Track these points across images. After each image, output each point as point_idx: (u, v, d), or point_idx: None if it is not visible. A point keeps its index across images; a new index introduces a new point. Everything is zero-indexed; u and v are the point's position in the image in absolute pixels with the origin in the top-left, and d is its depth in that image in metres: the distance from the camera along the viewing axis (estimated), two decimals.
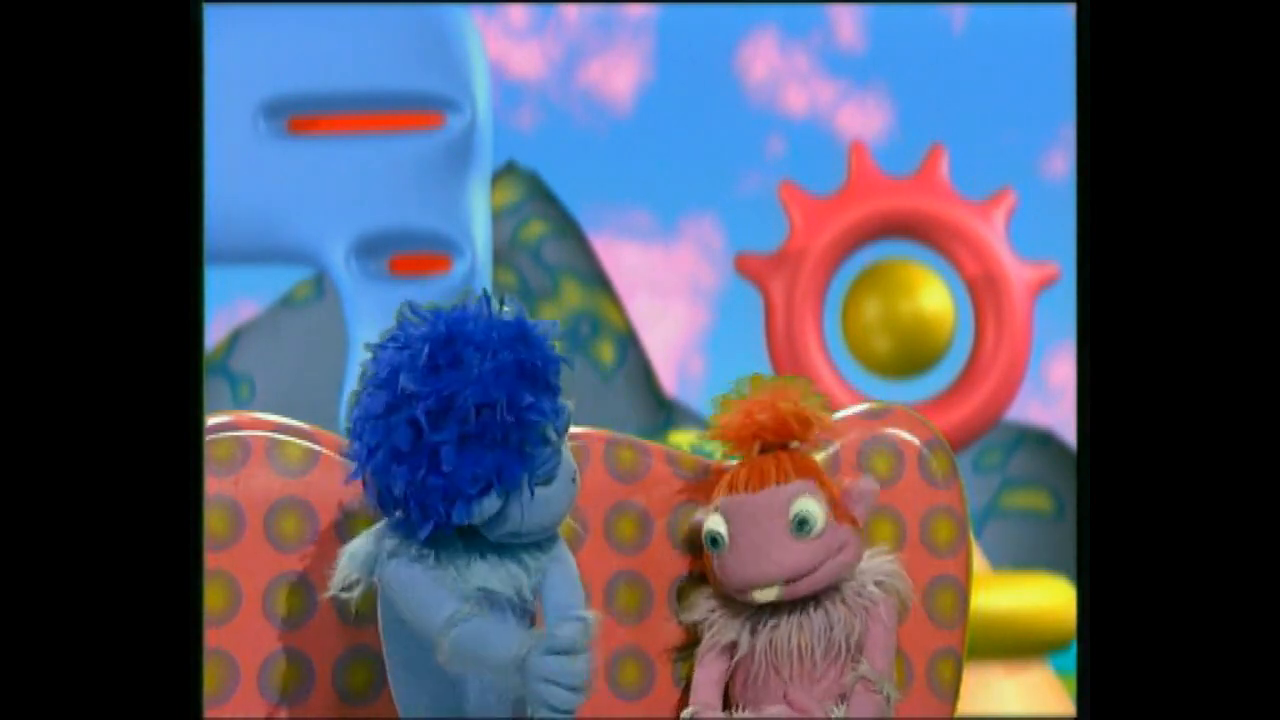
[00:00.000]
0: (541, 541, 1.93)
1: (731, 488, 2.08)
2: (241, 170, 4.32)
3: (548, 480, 1.88)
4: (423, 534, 1.86)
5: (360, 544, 1.92)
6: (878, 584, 2.09)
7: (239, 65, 4.32)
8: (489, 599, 1.87)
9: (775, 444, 2.10)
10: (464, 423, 1.83)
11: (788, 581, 2.04)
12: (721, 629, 2.09)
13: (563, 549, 1.96)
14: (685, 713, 2.09)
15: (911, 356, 5.37)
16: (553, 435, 1.88)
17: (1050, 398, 7.24)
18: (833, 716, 2.03)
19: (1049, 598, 5.09)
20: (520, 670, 1.78)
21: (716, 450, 2.13)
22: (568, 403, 1.91)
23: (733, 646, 2.09)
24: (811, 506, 2.05)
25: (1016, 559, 6.48)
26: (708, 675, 2.09)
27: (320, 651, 2.03)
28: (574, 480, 1.91)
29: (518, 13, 7.75)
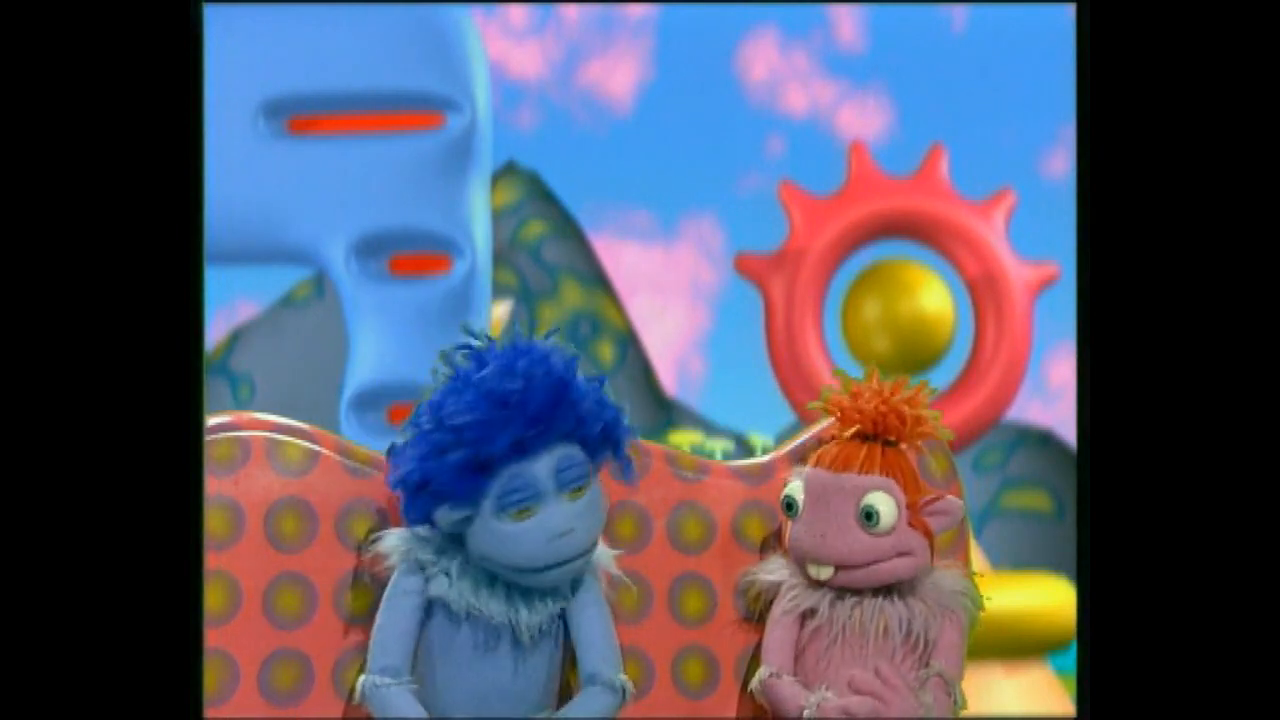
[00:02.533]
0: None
1: (818, 462, 2.11)
2: (241, 170, 4.32)
3: (519, 514, 1.93)
4: (410, 516, 1.96)
5: (394, 539, 1.99)
6: (954, 593, 2.11)
7: (239, 65, 4.32)
8: (485, 624, 1.96)
9: (872, 434, 2.10)
10: (453, 432, 1.92)
11: (841, 566, 2.06)
12: (801, 595, 2.10)
13: (593, 593, 2.02)
14: (761, 672, 2.09)
15: (911, 356, 5.37)
16: (540, 479, 1.93)
17: (1050, 398, 7.24)
18: (921, 699, 2.04)
19: (1049, 598, 5.09)
20: None
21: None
22: (585, 464, 1.96)
23: (808, 614, 2.09)
24: (882, 502, 2.06)
25: (1016, 559, 6.48)
26: (782, 639, 2.10)
27: (320, 651, 2.03)
28: (561, 536, 1.94)
29: (518, 13, 7.75)
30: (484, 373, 1.94)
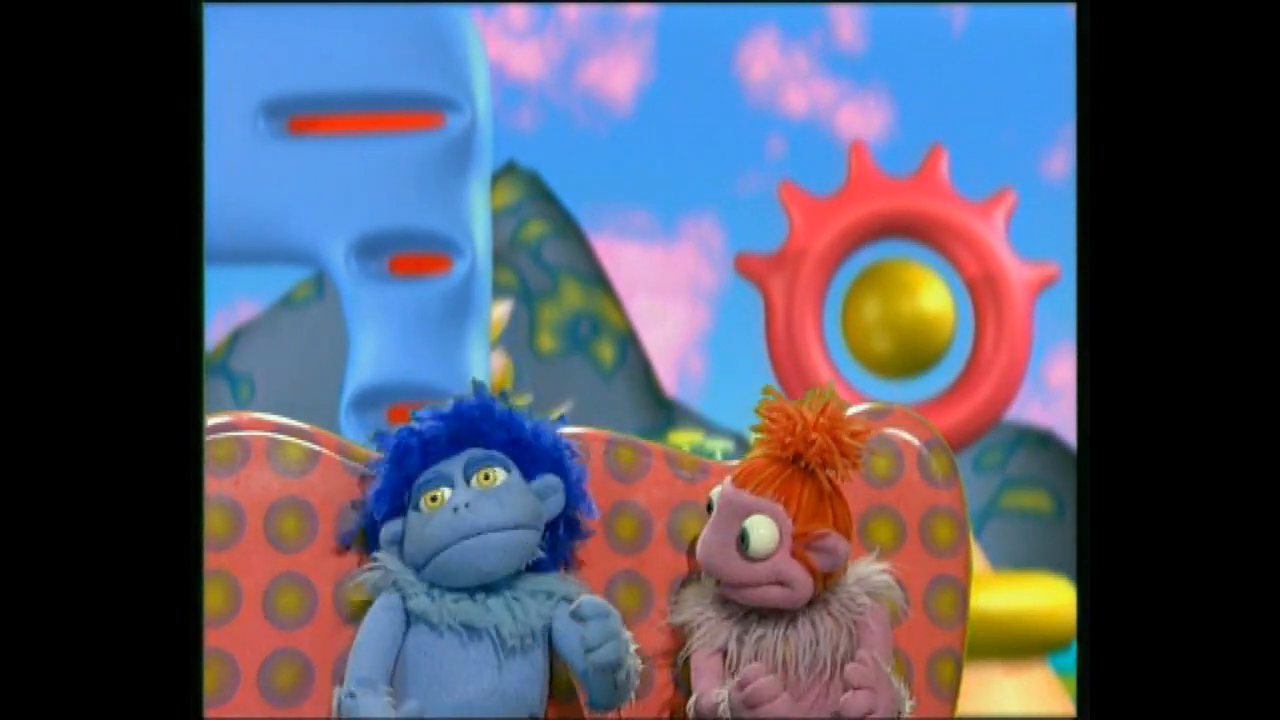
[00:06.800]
0: (534, 594, 2.03)
1: (733, 471, 2.10)
2: (241, 170, 4.32)
3: (431, 502, 2.02)
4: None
5: (376, 575, 2.04)
6: (869, 594, 2.09)
7: (239, 65, 4.32)
8: (468, 631, 2.00)
9: (783, 455, 2.08)
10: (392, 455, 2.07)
11: (719, 581, 2.07)
12: (710, 634, 2.09)
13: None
14: (691, 700, 2.08)
15: (911, 356, 5.37)
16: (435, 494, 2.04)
17: (1050, 398, 7.24)
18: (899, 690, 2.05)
19: (1049, 598, 5.10)
20: None
21: (712, 447, 2.14)
22: (495, 457, 2.05)
23: (723, 653, 2.08)
24: (757, 529, 2.04)
25: (1016, 559, 6.48)
26: (707, 671, 2.08)
27: (320, 651, 2.03)
28: (457, 511, 2.00)
29: (518, 13, 7.75)
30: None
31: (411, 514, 2.02)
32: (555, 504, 2.06)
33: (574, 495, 2.08)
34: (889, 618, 2.10)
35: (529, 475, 2.06)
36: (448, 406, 2.08)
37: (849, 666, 2.03)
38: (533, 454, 2.07)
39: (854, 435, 2.06)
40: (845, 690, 2.03)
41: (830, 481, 2.07)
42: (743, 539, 2.04)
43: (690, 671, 2.10)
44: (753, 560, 2.04)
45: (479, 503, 2.00)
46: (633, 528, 2.15)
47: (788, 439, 2.06)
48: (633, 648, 2.02)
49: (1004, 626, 4.96)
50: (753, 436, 2.13)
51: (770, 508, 2.05)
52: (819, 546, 2.05)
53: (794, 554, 2.04)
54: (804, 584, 2.05)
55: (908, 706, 2.07)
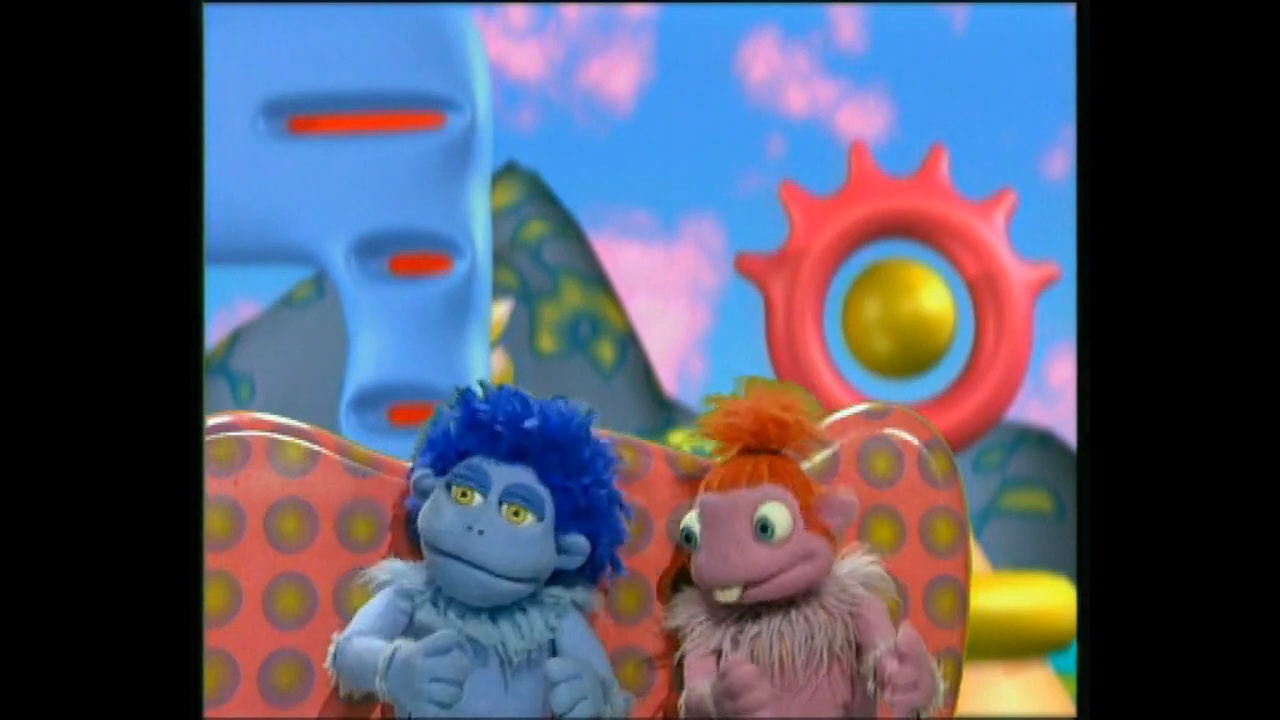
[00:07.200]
0: (541, 605, 2.02)
1: (708, 486, 2.10)
2: (241, 170, 4.32)
3: (460, 495, 1.99)
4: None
5: (384, 573, 2.04)
6: (862, 585, 2.09)
7: (239, 65, 4.32)
8: (474, 646, 1.99)
9: (756, 447, 2.10)
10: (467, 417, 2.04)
11: (748, 584, 2.05)
12: (704, 636, 2.08)
13: (580, 626, 2.05)
14: (704, 684, 2.06)
15: (911, 356, 5.37)
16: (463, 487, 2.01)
17: (1050, 398, 7.24)
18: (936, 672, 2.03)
19: (1049, 598, 5.10)
20: (402, 674, 1.90)
21: (707, 446, 2.14)
22: (538, 499, 2.01)
23: (717, 654, 2.08)
24: (775, 512, 2.05)
25: (1016, 559, 6.48)
26: (703, 669, 2.08)
27: (320, 650, 2.03)
28: (471, 530, 1.97)
29: (518, 13, 7.76)
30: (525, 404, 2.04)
31: (440, 491, 2.01)
32: (572, 563, 2.04)
33: (604, 556, 2.07)
34: (886, 610, 2.09)
35: (563, 525, 2.03)
36: (537, 418, 2.01)
37: (899, 638, 2.02)
38: (582, 513, 2.04)
39: (786, 408, 2.09)
40: (892, 663, 2.00)
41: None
42: (764, 528, 2.04)
43: (684, 673, 2.10)
44: (776, 546, 2.04)
45: (494, 537, 1.98)
46: (633, 528, 2.15)
47: (755, 429, 2.09)
48: (613, 691, 2.01)
49: (1004, 626, 4.96)
50: (709, 449, 2.15)
51: (776, 493, 2.06)
52: (829, 508, 2.07)
53: (808, 527, 2.06)
54: (826, 551, 2.07)
55: (941, 688, 2.06)
